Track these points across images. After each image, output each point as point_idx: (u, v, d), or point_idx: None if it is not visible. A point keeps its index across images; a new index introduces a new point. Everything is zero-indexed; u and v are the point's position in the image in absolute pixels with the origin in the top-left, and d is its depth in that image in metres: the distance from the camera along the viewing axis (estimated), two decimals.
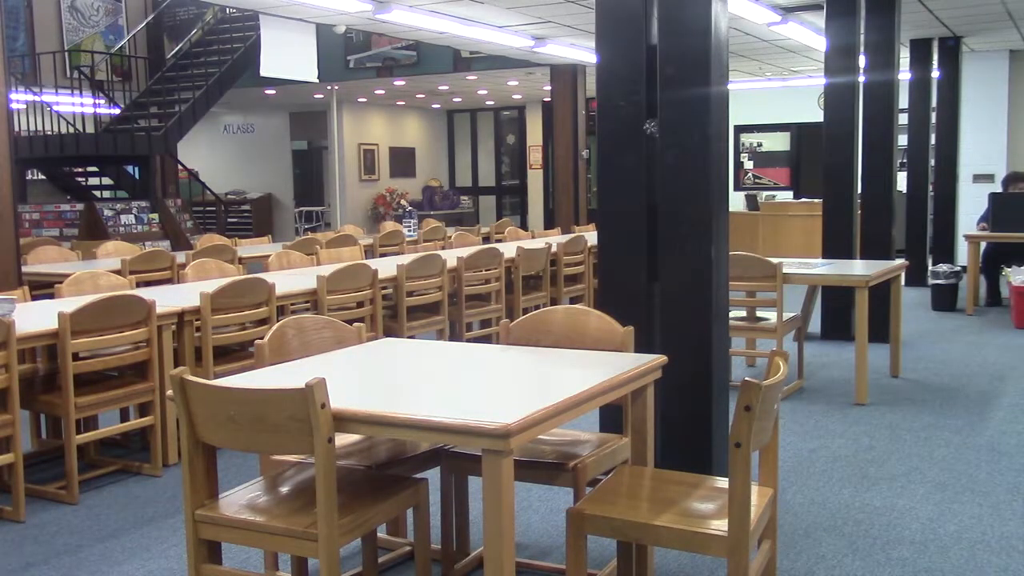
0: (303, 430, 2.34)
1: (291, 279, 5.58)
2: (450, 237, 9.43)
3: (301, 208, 18.53)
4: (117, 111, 13.37)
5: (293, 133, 18.50)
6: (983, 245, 9.02)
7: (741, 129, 15.35)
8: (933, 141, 11.04)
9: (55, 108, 12.24)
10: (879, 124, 7.88)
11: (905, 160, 10.61)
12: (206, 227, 13.79)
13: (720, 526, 2.41)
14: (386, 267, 6.01)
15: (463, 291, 6.47)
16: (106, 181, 12.86)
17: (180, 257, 7.07)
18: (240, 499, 2.63)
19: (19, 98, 11.96)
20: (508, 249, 7.09)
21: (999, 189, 10.02)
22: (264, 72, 9.35)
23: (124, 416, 4.74)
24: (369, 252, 8.26)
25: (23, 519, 3.82)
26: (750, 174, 15.68)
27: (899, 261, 6.64)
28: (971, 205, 10.94)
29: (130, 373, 4.42)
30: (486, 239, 9.75)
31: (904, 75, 10.17)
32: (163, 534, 3.67)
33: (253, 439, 2.47)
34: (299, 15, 8.80)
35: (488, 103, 18.95)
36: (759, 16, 8.48)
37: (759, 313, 5.82)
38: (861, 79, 7.60)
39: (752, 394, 2.33)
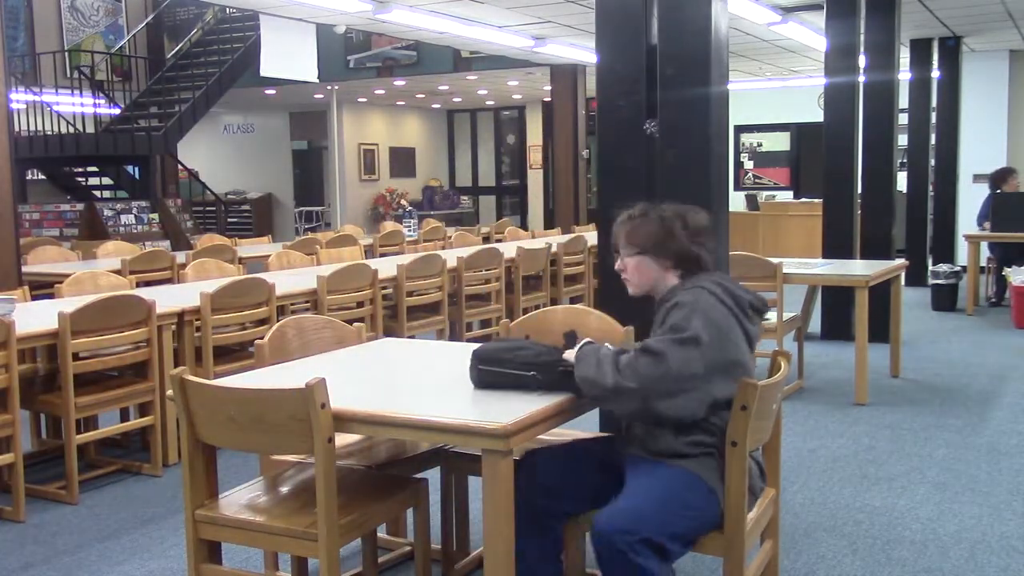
0: (303, 430, 2.34)
1: (291, 279, 5.58)
2: (450, 237, 9.43)
3: (301, 208, 18.52)
4: (117, 111, 13.36)
5: (293, 133, 18.51)
6: (985, 245, 9.00)
7: (741, 129, 15.33)
8: (933, 141, 11.03)
9: (55, 108, 12.24)
10: (879, 124, 7.88)
11: (905, 160, 10.59)
12: (206, 227, 13.78)
13: None
14: (386, 267, 6.01)
15: (463, 291, 6.46)
16: (106, 181, 12.86)
17: (180, 257, 7.07)
18: (240, 499, 2.63)
19: (19, 98, 11.95)
20: (508, 249, 7.09)
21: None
22: (264, 72, 9.35)
23: (124, 416, 4.73)
24: (369, 252, 8.25)
25: (23, 519, 3.82)
26: (750, 174, 15.68)
27: (899, 261, 6.64)
28: (971, 205, 10.91)
29: (130, 373, 4.42)
30: (486, 239, 9.74)
31: (904, 75, 10.17)
32: (163, 534, 3.68)
33: (253, 439, 2.47)
34: (299, 15, 8.81)
35: (488, 103, 18.94)
36: (759, 16, 8.48)
37: None
38: (861, 79, 7.60)
39: (748, 394, 2.33)
